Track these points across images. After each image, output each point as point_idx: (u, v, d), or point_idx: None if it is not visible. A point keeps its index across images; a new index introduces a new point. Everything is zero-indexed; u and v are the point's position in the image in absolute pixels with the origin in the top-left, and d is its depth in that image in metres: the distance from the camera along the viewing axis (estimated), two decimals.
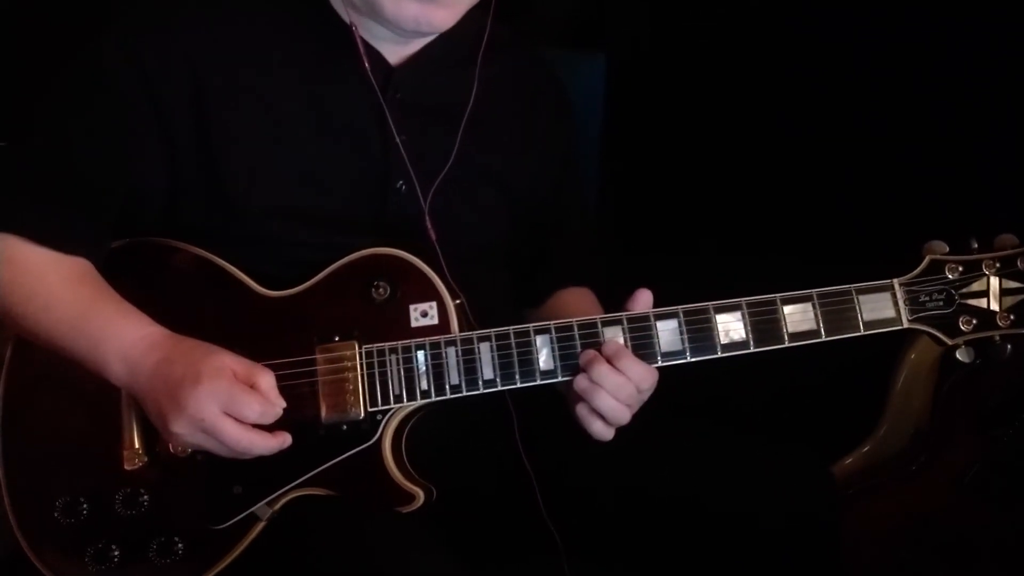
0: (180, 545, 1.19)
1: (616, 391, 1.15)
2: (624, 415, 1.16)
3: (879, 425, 1.91)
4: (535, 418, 1.27)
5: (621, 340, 1.17)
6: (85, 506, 1.21)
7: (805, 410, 1.73)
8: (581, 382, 1.16)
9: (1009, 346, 1.18)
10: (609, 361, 1.15)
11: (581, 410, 1.17)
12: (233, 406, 1.10)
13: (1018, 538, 1.74)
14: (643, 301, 1.19)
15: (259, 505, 1.18)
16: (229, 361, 1.13)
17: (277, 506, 1.19)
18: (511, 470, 1.27)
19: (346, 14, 1.25)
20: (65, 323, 1.17)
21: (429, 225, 1.26)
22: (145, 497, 1.20)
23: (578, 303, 1.45)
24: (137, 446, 1.20)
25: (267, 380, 1.13)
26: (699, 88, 2.09)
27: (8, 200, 1.21)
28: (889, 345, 1.19)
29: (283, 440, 1.14)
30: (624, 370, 1.15)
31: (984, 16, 1.82)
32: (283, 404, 1.14)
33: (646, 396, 1.19)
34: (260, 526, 1.19)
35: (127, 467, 1.20)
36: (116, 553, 1.20)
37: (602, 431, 1.18)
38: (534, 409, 1.27)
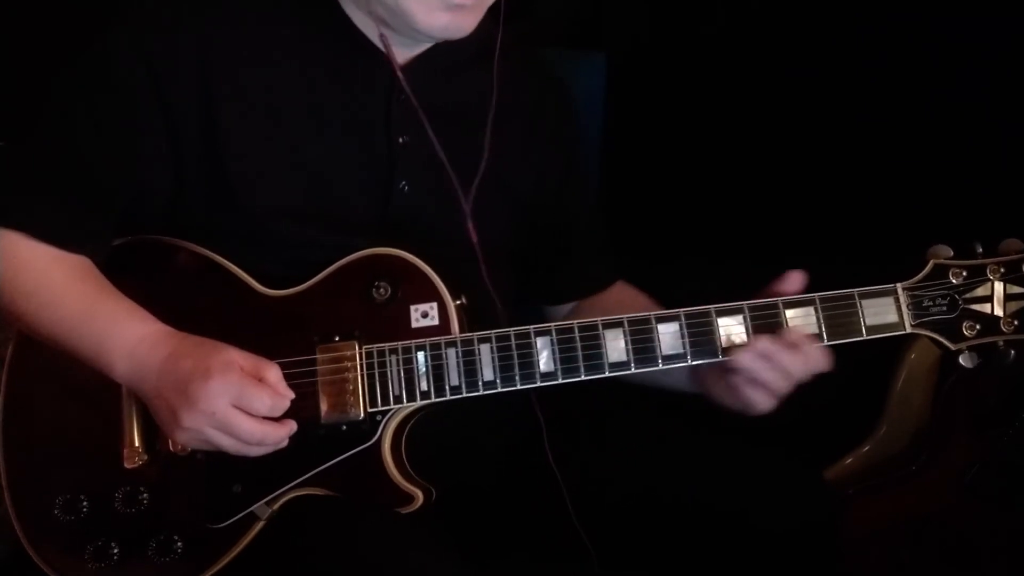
0: (179, 543, 1.19)
1: (799, 372, 1.16)
2: (786, 388, 1.18)
3: (879, 425, 1.91)
4: (536, 417, 1.27)
5: (622, 342, 1.17)
6: (85, 504, 1.21)
7: (805, 410, 1.73)
8: (758, 365, 1.16)
9: (1013, 352, 1.18)
10: (792, 346, 1.16)
11: (743, 384, 1.17)
12: (244, 399, 1.11)
13: (1018, 538, 1.74)
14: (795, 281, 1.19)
15: (258, 504, 1.19)
16: (236, 356, 1.13)
17: (276, 505, 1.19)
18: (511, 470, 1.27)
19: (355, 14, 1.24)
20: (68, 321, 1.18)
21: (471, 227, 1.25)
22: (145, 495, 1.21)
23: (632, 298, 1.46)
24: (137, 444, 1.20)
25: (274, 373, 1.14)
26: (700, 88, 2.09)
27: (11, 196, 1.21)
28: (889, 345, 1.18)
29: (291, 428, 1.14)
30: (807, 354, 1.15)
31: (985, 17, 1.81)
32: (292, 396, 1.14)
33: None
34: (259, 525, 1.19)
35: (127, 465, 1.20)
36: (115, 551, 1.20)
37: (765, 400, 1.18)
38: (535, 409, 1.26)
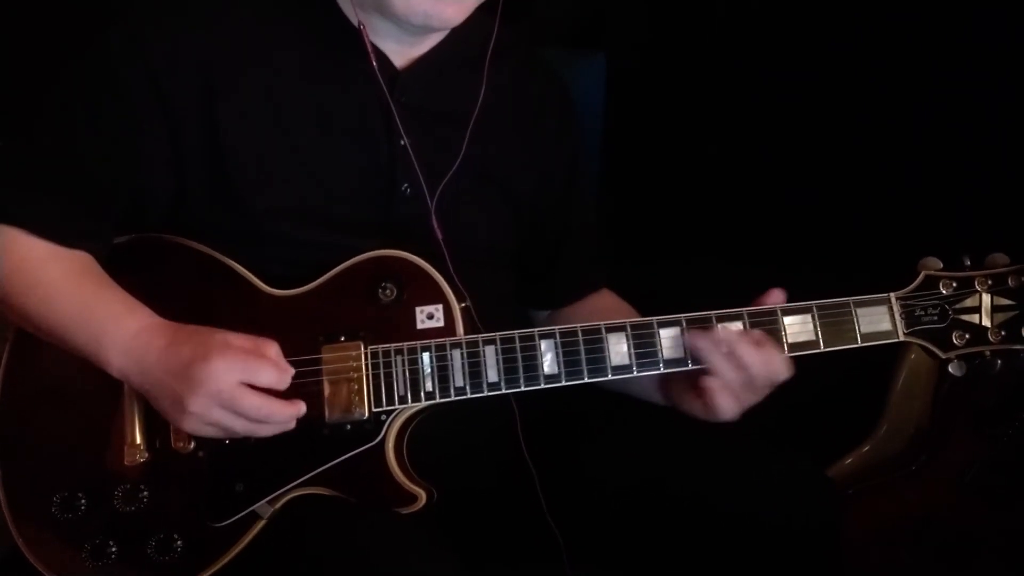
0: (179, 542, 1.19)
1: (759, 369, 1.16)
2: (750, 400, 1.18)
3: (879, 425, 1.93)
4: (537, 419, 1.28)
5: (624, 346, 1.19)
6: (83, 501, 1.21)
7: (805, 410, 1.74)
8: (719, 360, 1.16)
9: (999, 361, 1.22)
10: (755, 342, 1.17)
11: (712, 383, 1.17)
12: (248, 374, 1.11)
13: (1018, 538, 1.77)
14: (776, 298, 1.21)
15: (260, 503, 1.18)
16: (232, 337, 1.14)
17: (278, 505, 1.19)
18: (512, 471, 1.28)
19: (354, 15, 1.25)
20: (67, 315, 1.17)
21: (436, 226, 1.27)
22: (144, 493, 1.20)
23: (614, 305, 1.47)
24: (138, 442, 1.20)
25: (273, 349, 1.15)
26: (699, 89, 2.10)
27: (11, 193, 1.21)
28: (888, 346, 1.21)
29: (299, 408, 1.14)
30: (768, 354, 1.16)
31: (981, 36, 1.85)
32: (293, 371, 1.15)
33: (764, 393, 1.20)
34: (260, 524, 1.19)
35: (127, 463, 1.20)
36: (114, 549, 1.20)
37: (730, 406, 1.18)
38: (536, 410, 1.27)
